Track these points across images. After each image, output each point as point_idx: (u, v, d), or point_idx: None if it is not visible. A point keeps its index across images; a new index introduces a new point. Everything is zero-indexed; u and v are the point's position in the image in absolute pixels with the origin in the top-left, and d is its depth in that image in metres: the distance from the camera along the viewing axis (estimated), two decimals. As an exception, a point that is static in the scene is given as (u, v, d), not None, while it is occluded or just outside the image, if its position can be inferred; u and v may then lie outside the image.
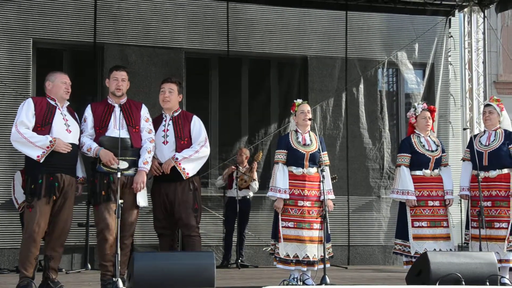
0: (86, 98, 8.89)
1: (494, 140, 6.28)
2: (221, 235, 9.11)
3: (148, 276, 4.54)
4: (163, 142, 5.54)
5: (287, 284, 5.60)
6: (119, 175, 5.07)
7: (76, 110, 5.51)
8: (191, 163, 5.50)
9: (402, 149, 6.31)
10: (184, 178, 5.47)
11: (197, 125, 5.64)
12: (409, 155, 6.23)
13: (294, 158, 5.81)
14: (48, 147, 5.07)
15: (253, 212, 9.03)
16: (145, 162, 5.32)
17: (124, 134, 5.28)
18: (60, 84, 5.31)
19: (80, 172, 5.38)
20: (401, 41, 10.23)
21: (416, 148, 6.23)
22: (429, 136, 6.36)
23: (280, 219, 5.77)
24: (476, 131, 9.74)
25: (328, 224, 5.55)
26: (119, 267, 4.83)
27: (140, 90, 8.89)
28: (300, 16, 9.92)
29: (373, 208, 9.92)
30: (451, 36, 10.44)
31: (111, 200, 5.21)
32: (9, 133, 5.23)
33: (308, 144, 5.87)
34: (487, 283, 5.13)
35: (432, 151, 6.25)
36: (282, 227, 5.75)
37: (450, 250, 6.11)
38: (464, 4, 10.09)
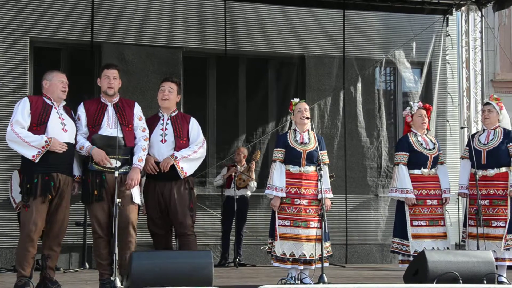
0: (83, 97, 8.80)
1: (493, 138, 6.28)
2: (219, 234, 9.11)
3: (146, 275, 4.54)
4: (161, 141, 5.54)
5: (285, 283, 5.61)
6: (116, 174, 5.06)
7: (73, 109, 5.50)
8: (189, 163, 5.51)
9: (400, 147, 6.31)
10: (182, 177, 5.47)
11: (195, 126, 5.67)
12: (407, 153, 6.22)
13: (291, 157, 5.82)
14: (43, 147, 5.06)
15: (251, 211, 9.03)
16: (140, 159, 5.31)
17: (117, 132, 5.26)
18: (57, 83, 5.30)
19: (77, 171, 5.37)
20: (399, 39, 10.24)
21: (414, 147, 6.23)
22: (425, 134, 6.37)
23: (276, 217, 5.78)
24: (473, 130, 9.75)
25: (326, 223, 5.55)
26: (117, 266, 4.83)
27: (137, 89, 8.89)
28: (298, 15, 9.92)
29: (371, 207, 9.93)
30: (449, 35, 10.45)
31: (103, 199, 5.21)
32: (6, 132, 5.22)
33: (306, 143, 5.87)
34: (485, 282, 5.13)
35: (430, 149, 6.25)
36: (279, 225, 5.75)
37: (448, 248, 6.12)
38: (461, 2, 10.09)
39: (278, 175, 5.78)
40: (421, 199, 6.14)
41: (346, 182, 9.76)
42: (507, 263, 6.07)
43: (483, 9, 10.09)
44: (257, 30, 9.79)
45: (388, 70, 10.59)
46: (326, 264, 5.68)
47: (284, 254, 5.70)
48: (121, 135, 5.31)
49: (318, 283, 5.38)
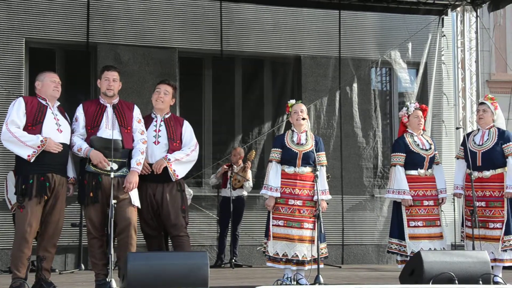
0: (78, 97, 8.86)
1: (487, 139, 6.28)
2: (215, 235, 9.10)
3: (141, 276, 4.54)
4: (154, 142, 5.54)
5: (280, 284, 5.60)
6: (112, 175, 5.06)
7: (68, 110, 5.49)
8: (181, 165, 5.53)
9: (397, 148, 6.31)
10: (173, 180, 5.48)
11: (188, 129, 5.70)
12: (404, 154, 6.22)
13: (287, 157, 5.81)
14: (39, 147, 5.04)
15: (247, 211, 9.02)
16: (138, 163, 5.31)
17: (115, 134, 5.26)
18: (49, 83, 5.29)
19: (71, 172, 5.36)
20: (394, 40, 10.25)
21: (411, 148, 6.24)
22: (421, 135, 6.38)
23: (271, 217, 5.78)
24: (469, 130, 9.76)
25: (322, 224, 5.55)
26: (113, 267, 4.82)
27: (133, 90, 8.88)
28: (294, 15, 9.92)
29: (367, 207, 9.94)
30: (444, 35, 10.47)
31: (98, 201, 5.20)
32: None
33: (303, 144, 5.87)
34: (480, 282, 5.14)
35: (426, 150, 6.26)
36: (273, 225, 5.75)
37: (443, 249, 6.13)
38: (456, 3, 10.11)
39: (273, 175, 5.78)
40: (418, 200, 6.15)
41: (342, 182, 9.77)
42: (504, 264, 6.07)
43: (478, 10, 10.11)
44: (253, 30, 9.79)
45: (384, 70, 10.61)
46: (321, 266, 5.67)
47: (277, 254, 5.70)
48: (120, 137, 5.30)
49: (314, 284, 5.38)
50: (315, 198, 5.68)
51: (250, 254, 9.34)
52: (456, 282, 5.02)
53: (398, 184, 6.15)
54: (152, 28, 9.40)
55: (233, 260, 8.55)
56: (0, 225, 8.39)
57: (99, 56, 9.13)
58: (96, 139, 5.26)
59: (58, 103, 5.38)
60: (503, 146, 6.21)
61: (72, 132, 5.33)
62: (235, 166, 8.81)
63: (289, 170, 5.80)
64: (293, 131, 5.96)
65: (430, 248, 5.98)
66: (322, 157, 5.90)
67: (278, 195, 5.74)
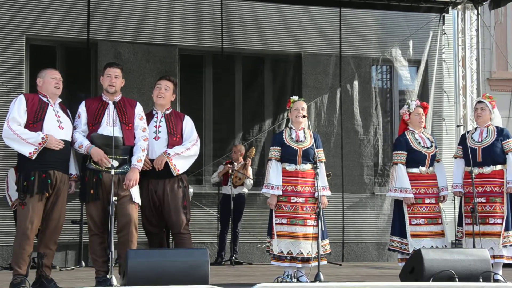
0: (79, 95, 8.87)
1: (486, 136, 6.29)
2: (215, 232, 9.11)
3: (142, 273, 4.54)
4: (155, 138, 5.54)
5: (281, 281, 5.61)
6: (113, 172, 5.06)
7: (69, 107, 5.49)
8: (182, 160, 5.50)
9: (398, 146, 6.30)
10: (174, 175, 5.47)
11: (189, 124, 5.69)
12: (405, 152, 6.22)
13: (287, 155, 5.81)
14: (40, 144, 5.05)
15: (247, 209, 9.02)
16: (139, 160, 5.30)
17: (116, 131, 5.26)
18: (50, 80, 5.29)
19: (73, 169, 5.36)
20: (395, 38, 10.24)
21: (412, 146, 6.23)
22: (422, 133, 6.38)
23: (274, 215, 5.77)
24: (469, 128, 9.76)
25: (323, 221, 5.55)
26: (113, 264, 4.82)
27: (134, 87, 8.88)
28: (294, 13, 9.91)
29: (367, 205, 9.94)
30: (445, 33, 10.45)
31: (99, 198, 5.20)
32: (1, 130, 5.20)
33: (302, 141, 5.87)
34: (481, 280, 5.14)
35: (428, 147, 6.26)
36: (276, 223, 5.74)
37: (445, 246, 6.13)
38: (457, 1, 10.10)
39: (274, 173, 5.78)
40: (420, 197, 6.15)
41: (343, 180, 9.77)
42: (505, 261, 6.08)
43: (479, 8, 10.09)
44: (253, 28, 9.78)
45: (385, 68, 10.60)
46: (324, 262, 5.69)
47: (282, 252, 5.69)
48: (121, 134, 5.30)
49: (314, 281, 5.38)
50: (316, 195, 5.68)
51: (250, 251, 9.35)
52: (457, 280, 5.02)
53: (400, 182, 6.14)
54: (153, 25, 9.39)
55: (234, 258, 8.56)
56: (1, 221, 8.39)
57: (99, 53, 9.13)
58: (97, 136, 5.26)
59: (60, 100, 5.39)
60: (503, 142, 6.22)
61: (74, 128, 5.34)
62: (235, 164, 8.81)
63: (290, 167, 5.80)
64: (291, 128, 5.95)
65: (432, 246, 5.98)
66: (321, 153, 5.92)
67: (280, 193, 5.74)
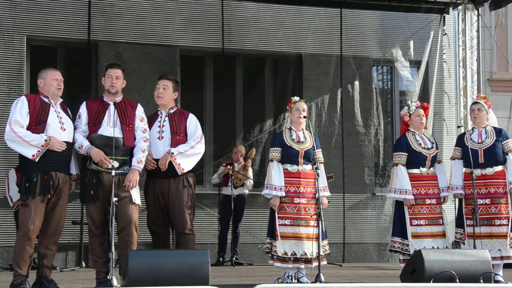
0: (80, 95, 8.87)
1: (486, 137, 6.29)
2: (216, 233, 9.10)
3: (142, 273, 4.54)
4: (158, 138, 5.53)
5: (281, 282, 5.60)
6: (113, 172, 5.05)
7: (69, 107, 5.49)
8: (186, 158, 5.48)
9: (399, 147, 6.30)
10: (179, 174, 5.44)
11: (193, 122, 5.64)
12: (406, 153, 6.22)
13: (289, 156, 5.81)
14: (43, 146, 5.05)
15: (248, 209, 9.02)
16: (139, 161, 5.30)
17: (116, 132, 5.26)
18: (51, 81, 5.29)
19: (74, 169, 5.37)
20: (396, 38, 10.25)
21: (413, 147, 6.23)
22: (423, 133, 6.37)
23: (276, 217, 5.75)
24: (470, 129, 9.74)
25: (324, 222, 5.54)
26: (114, 265, 4.82)
27: (135, 88, 8.87)
28: (295, 13, 9.91)
29: (368, 206, 9.93)
30: (445, 34, 10.45)
31: (99, 199, 5.20)
32: (3, 131, 5.21)
33: (302, 141, 5.87)
34: (481, 281, 5.13)
35: (428, 148, 6.26)
36: (279, 225, 5.72)
37: (446, 247, 6.13)
38: (458, 2, 10.10)
39: (276, 174, 5.76)
40: (420, 198, 6.15)
41: (344, 181, 9.77)
42: (511, 261, 6.07)
43: (479, 8, 10.09)
44: (254, 28, 9.78)
45: (385, 68, 10.60)
46: (324, 262, 5.68)
47: (286, 253, 5.67)
48: (121, 135, 5.29)
49: (315, 282, 5.37)
50: (317, 195, 5.67)
51: (251, 252, 9.34)
52: (457, 280, 5.02)
53: (400, 183, 6.14)
54: (154, 26, 9.39)
55: (234, 258, 8.56)
56: (1, 223, 8.39)
57: (100, 54, 9.13)
58: (97, 136, 5.26)
59: (61, 100, 5.38)
60: (503, 143, 6.23)
61: (75, 128, 5.34)
62: (236, 164, 8.80)
63: (292, 168, 5.79)
64: (290, 129, 5.95)
65: (433, 247, 5.98)
66: (320, 154, 5.92)
67: (283, 194, 5.72)
